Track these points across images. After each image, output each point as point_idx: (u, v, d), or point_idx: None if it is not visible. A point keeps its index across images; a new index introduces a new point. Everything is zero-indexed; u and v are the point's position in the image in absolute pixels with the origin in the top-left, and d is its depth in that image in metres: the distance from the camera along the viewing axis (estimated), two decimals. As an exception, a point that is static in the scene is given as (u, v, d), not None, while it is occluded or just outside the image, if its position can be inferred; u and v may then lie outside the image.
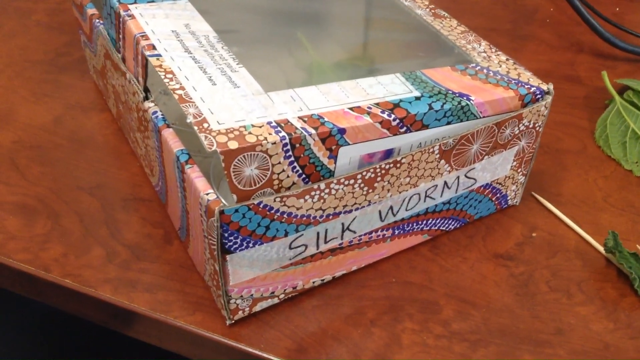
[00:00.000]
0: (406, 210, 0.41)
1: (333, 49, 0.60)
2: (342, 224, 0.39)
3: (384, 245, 0.43)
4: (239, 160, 0.33)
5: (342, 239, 0.40)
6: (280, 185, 0.35)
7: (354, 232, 0.40)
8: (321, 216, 0.37)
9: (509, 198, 0.47)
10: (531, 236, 0.47)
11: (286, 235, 0.37)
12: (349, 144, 0.36)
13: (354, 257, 0.42)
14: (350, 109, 0.36)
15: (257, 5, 0.61)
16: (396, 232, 0.42)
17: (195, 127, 0.33)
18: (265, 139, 0.33)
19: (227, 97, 0.35)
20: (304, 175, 0.36)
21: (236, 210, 0.34)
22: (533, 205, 0.49)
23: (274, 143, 0.33)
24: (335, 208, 0.37)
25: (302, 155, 0.35)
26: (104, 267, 0.43)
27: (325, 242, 0.39)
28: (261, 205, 0.34)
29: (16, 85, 0.59)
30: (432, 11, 0.49)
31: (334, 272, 0.41)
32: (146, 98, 0.41)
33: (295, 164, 0.35)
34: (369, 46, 0.55)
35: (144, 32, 0.40)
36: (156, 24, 0.41)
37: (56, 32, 0.67)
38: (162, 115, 0.39)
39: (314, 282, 0.41)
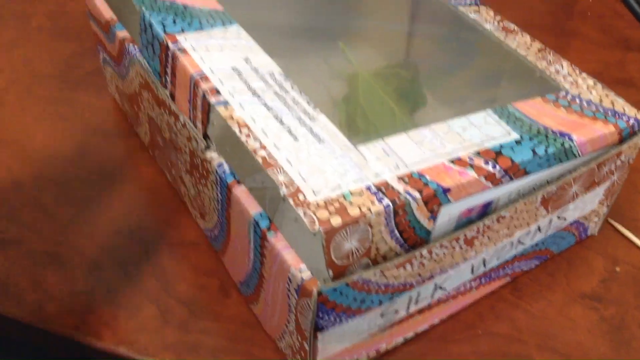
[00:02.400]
0: (497, 259, 0.37)
1: (399, 83, 0.55)
2: (435, 284, 0.35)
3: (469, 295, 0.39)
4: (339, 235, 0.29)
5: (432, 298, 0.36)
6: (377, 254, 0.31)
7: (445, 289, 0.36)
8: (417, 281, 0.33)
9: (589, 230, 0.44)
10: (615, 271, 0.43)
11: (380, 304, 0.33)
12: (450, 202, 0.32)
13: (439, 312, 0.38)
14: (451, 161, 0.32)
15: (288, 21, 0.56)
16: (482, 281, 0.39)
17: (291, 201, 0.29)
18: (369, 209, 0.29)
19: (314, 156, 0.31)
20: (402, 240, 0.32)
21: (334, 289, 0.30)
22: (611, 234, 0.46)
23: (378, 213, 0.29)
24: (432, 271, 0.33)
25: (403, 220, 0.31)
26: (161, 330, 0.39)
27: (416, 304, 0.35)
28: (360, 281, 0.30)
29: (26, 105, 0.54)
30: (501, 24, 0.44)
31: (417, 329, 0.38)
32: (207, 147, 0.36)
33: (395, 230, 0.31)
34: (439, 73, 0.50)
35: (202, 72, 0.35)
36: (213, 59, 0.36)
37: (62, 39, 0.61)
38: (230, 169, 0.35)
39: (396, 342, 0.37)
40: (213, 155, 0.36)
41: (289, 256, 0.31)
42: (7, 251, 0.42)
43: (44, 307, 0.40)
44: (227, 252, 0.40)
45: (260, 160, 0.30)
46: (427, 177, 0.31)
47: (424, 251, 0.31)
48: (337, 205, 0.29)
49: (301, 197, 0.29)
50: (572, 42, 0.64)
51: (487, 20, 0.44)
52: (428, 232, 0.32)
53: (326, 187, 0.29)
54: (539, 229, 0.38)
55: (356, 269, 0.31)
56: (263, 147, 0.31)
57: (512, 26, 0.44)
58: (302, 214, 0.28)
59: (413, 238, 0.32)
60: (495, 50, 0.42)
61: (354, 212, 0.29)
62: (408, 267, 0.32)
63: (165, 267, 0.42)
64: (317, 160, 0.31)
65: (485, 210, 0.34)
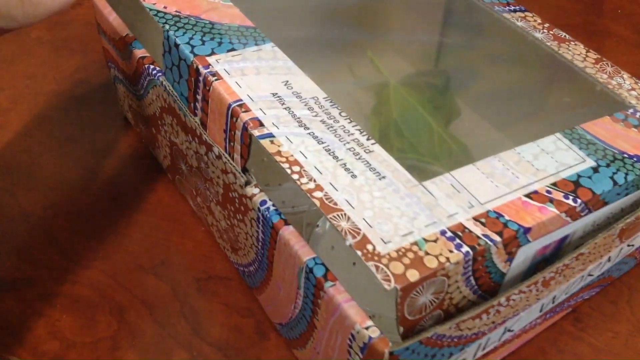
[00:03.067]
0: (565, 294, 0.34)
1: (433, 93, 0.51)
2: (505, 328, 0.32)
3: (532, 331, 0.36)
4: (415, 290, 0.25)
5: (499, 341, 0.32)
6: (449, 304, 0.28)
7: (512, 331, 0.33)
8: (489, 328, 0.30)
9: (650, 251, 0.41)
10: (680, 295, 0.40)
11: (449, 357, 0.29)
12: (529, 242, 0.28)
13: (502, 352, 0.35)
14: (528, 196, 0.29)
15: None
16: (547, 316, 0.35)
17: (359, 253, 0.25)
18: (447, 259, 0.25)
19: (377, 197, 0.27)
20: (476, 287, 0.28)
21: (407, 348, 0.26)
22: (671, 254, 0.43)
23: (457, 263, 0.26)
24: (505, 316, 0.30)
25: (480, 267, 0.27)
26: (197, 381, 0.35)
27: (483, 349, 0.32)
28: (435, 337, 0.27)
29: (31, 128, 0.50)
30: (551, 33, 0.41)
31: (479, 371, 0.34)
32: (248, 182, 0.32)
33: (472, 277, 0.27)
34: (480, 85, 0.47)
35: (240, 100, 0.31)
36: (250, 84, 0.32)
37: (64, 52, 0.57)
38: (274, 207, 0.31)
39: (458, 387, 0.34)
40: (254, 191, 0.32)
41: (352, 311, 0.27)
42: (20, 292, 0.39)
43: (64, 355, 0.36)
44: (265, 291, 0.36)
45: (317, 203, 0.27)
46: (506, 216, 0.28)
47: (502, 299, 0.28)
48: (411, 256, 0.25)
49: (370, 247, 0.25)
50: (605, 43, 0.60)
51: (536, 28, 0.41)
52: (502, 275, 0.29)
53: (396, 234, 0.26)
54: (609, 259, 0.35)
55: (427, 322, 0.27)
56: (320, 189, 0.27)
57: (563, 34, 0.41)
58: (373, 269, 0.25)
59: (487, 283, 0.29)
60: (549, 62, 0.39)
61: (431, 263, 0.25)
62: (484, 316, 0.28)
63: (196, 306, 0.39)
64: (382, 201, 0.27)
65: (560, 245, 0.31)
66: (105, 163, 0.47)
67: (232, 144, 0.32)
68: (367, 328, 0.26)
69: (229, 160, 0.33)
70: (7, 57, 0.56)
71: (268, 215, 0.31)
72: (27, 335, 0.37)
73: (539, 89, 0.44)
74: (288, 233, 0.30)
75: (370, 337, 0.26)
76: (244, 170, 0.32)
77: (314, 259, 0.29)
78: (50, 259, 0.41)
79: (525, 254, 0.29)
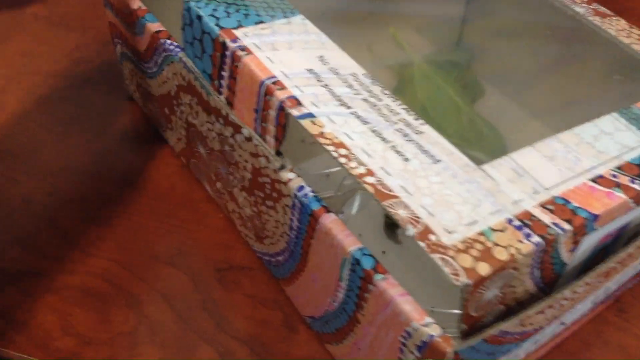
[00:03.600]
0: (616, 284, 0.32)
1: (458, 72, 0.49)
2: (561, 322, 0.30)
3: (578, 323, 0.34)
4: (484, 286, 0.23)
5: (551, 334, 0.30)
6: (512, 297, 0.26)
7: (565, 324, 0.31)
8: (548, 323, 0.28)
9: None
10: None
11: (507, 353, 0.27)
12: (595, 230, 0.26)
13: (550, 345, 0.33)
14: (593, 180, 0.27)
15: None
16: (594, 306, 0.33)
17: (422, 244, 0.23)
18: (518, 250, 0.23)
19: (434, 182, 0.25)
20: (539, 279, 0.26)
21: (471, 347, 0.24)
22: None
23: (527, 254, 0.23)
24: (565, 309, 0.28)
25: (547, 258, 0.25)
26: (224, 379, 0.33)
27: (535, 343, 0.30)
28: (498, 334, 0.25)
29: (30, 110, 0.47)
30: (592, 7, 0.38)
31: (525, 366, 0.32)
32: (283, 166, 0.30)
33: (536, 269, 0.25)
34: (511, 61, 0.44)
35: (274, 77, 0.29)
36: (283, 59, 0.30)
37: (62, 29, 0.54)
38: (313, 193, 0.29)
39: (504, 383, 0.32)
40: (290, 176, 0.29)
41: (408, 306, 0.25)
42: (26, 285, 0.36)
43: (79, 353, 0.33)
44: (295, 282, 0.34)
45: (371, 190, 0.24)
46: (573, 202, 0.25)
47: (567, 292, 0.26)
48: (479, 247, 0.23)
49: (433, 238, 0.23)
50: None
51: (576, 2, 0.38)
52: (564, 266, 0.27)
53: (460, 223, 0.24)
54: (661, 244, 0.33)
55: (488, 318, 0.25)
56: (371, 174, 0.25)
57: (604, 9, 0.38)
58: (440, 262, 0.22)
59: (549, 275, 0.26)
60: (593, 38, 0.36)
61: (501, 255, 0.23)
62: (548, 311, 0.26)
63: (218, 299, 0.36)
64: (440, 187, 0.25)
65: (620, 233, 0.29)
66: (111, 146, 0.44)
67: (264, 124, 0.29)
68: (426, 325, 0.24)
69: (260, 143, 0.30)
70: (1, 34, 0.53)
71: (306, 202, 0.29)
72: (37, 331, 0.34)
73: (579, 66, 0.42)
74: (330, 221, 0.28)
75: (431, 335, 0.24)
76: (278, 153, 0.30)
77: (360, 249, 0.27)
78: (57, 249, 0.38)
79: (588, 243, 0.27)
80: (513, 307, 0.27)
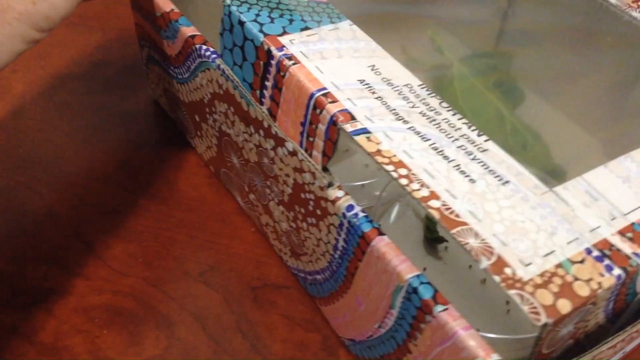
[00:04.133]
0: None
1: (498, 76, 0.47)
2: (623, 352, 0.28)
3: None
4: (562, 324, 0.21)
5: (615, 365, 0.29)
6: (583, 331, 0.24)
7: (625, 352, 0.29)
8: (614, 355, 0.26)
9: None
10: None
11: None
12: (673, 259, 0.24)
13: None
14: (671, 205, 0.24)
15: None
16: None
17: (497, 278, 0.21)
18: (599, 285, 0.21)
19: (504, 206, 0.23)
20: (610, 311, 0.24)
21: (544, 387, 0.22)
22: None
23: (608, 288, 0.21)
24: (633, 340, 0.26)
25: (625, 290, 0.23)
26: (262, 407, 0.31)
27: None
28: (572, 372, 0.23)
29: (51, 115, 0.45)
30: (641, 7, 0.36)
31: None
32: (331, 184, 0.28)
33: (611, 302, 0.23)
34: (545, 62, 0.42)
35: (324, 88, 0.27)
36: (333, 69, 0.28)
37: (82, 29, 0.52)
38: (364, 214, 0.27)
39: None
40: (338, 194, 0.27)
41: (473, 342, 0.23)
42: (52, 305, 0.34)
43: (110, 382, 0.32)
44: (335, 304, 0.32)
45: (436, 215, 0.22)
46: (654, 229, 0.23)
47: (643, 325, 0.24)
48: (558, 281, 0.21)
49: (509, 271, 0.21)
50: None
51: (631, 5, 0.36)
52: (635, 295, 0.25)
53: (537, 254, 0.22)
54: None
55: (556, 353, 0.23)
56: (435, 196, 0.23)
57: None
58: (518, 300, 0.20)
59: (620, 306, 0.24)
60: (631, 33, 0.34)
61: (583, 291, 0.21)
62: (619, 344, 0.24)
63: (253, 319, 0.34)
64: (512, 212, 0.23)
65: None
66: (137, 154, 0.42)
67: (311, 139, 0.27)
68: (497, 363, 0.22)
69: (306, 158, 0.28)
70: (20, 35, 0.51)
71: (357, 223, 0.27)
72: (65, 354, 0.32)
73: (617, 67, 0.40)
74: (384, 245, 0.26)
75: (503, 377, 0.22)
76: (324, 169, 0.28)
77: (418, 276, 0.25)
78: (84, 266, 0.36)
79: (664, 271, 0.25)
80: (581, 340, 0.25)
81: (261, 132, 0.31)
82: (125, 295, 0.35)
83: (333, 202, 0.28)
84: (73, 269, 0.36)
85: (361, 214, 0.27)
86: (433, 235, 0.37)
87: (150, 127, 0.44)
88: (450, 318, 0.24)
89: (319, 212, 0.29)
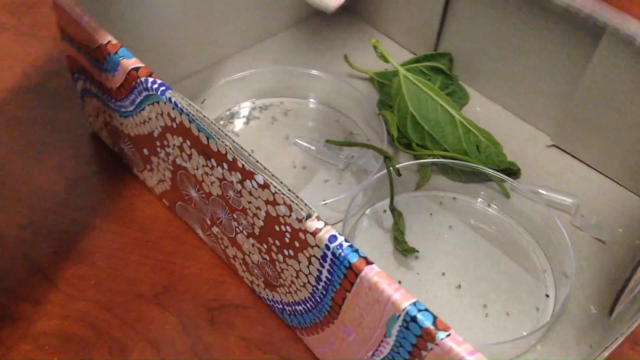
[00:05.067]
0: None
1: (443, 79, 0.46)
2: None
3: None
4: None
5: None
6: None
7: None
8: None
9: None
10: None
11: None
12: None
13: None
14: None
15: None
16: None
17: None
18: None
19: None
20: None
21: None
22: None
23: None
24: None
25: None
26: None
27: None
28: None
29: (-1, 132, 0.41)
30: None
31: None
32: (309, 216, 0.27)
33: None
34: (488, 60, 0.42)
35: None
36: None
37: (32, 40, 0.48)
38: (349, 244, 0.26)
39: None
40: (318, 226, 0.26)
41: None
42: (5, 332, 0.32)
43: None
44: (320, 334, 0.31)
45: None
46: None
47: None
48: None
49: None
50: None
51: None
52: None
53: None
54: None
55: None
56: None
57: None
58: None
59: None
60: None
61: None
62: None
63: (208, 341, 0.33)
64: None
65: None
66: (87, 171, 0.40)
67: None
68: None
69: (280, 190, 0.27)
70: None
71: (342, 254, 0.26)
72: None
73: (559, 63, 0.41)
74: (374, 274, 0.25)
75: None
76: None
77: (414, 304, 0.24)
78: (32, 290, 0.34)
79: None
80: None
81: (225, 165, 0.29)
82: (76, 320, 0.33)
83: (313, 234, 0.26)
84: (20, 292, 0.33)
85: (345, 244, 0.26)
86: (403, 247, 0.37)
87: (104, 143, 0.41)
88: (455, 344, 0.23)
89: (297, 243, 0.28)
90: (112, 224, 0.37)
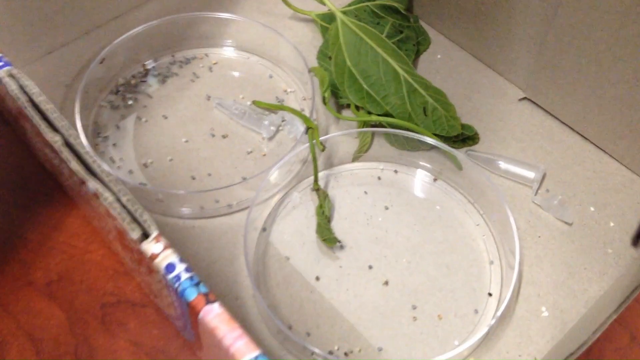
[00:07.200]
0: None
1: (393, 23, 0.39)
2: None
3: None
4: None
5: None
6: None
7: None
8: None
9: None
10: None
11: None
12: None
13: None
14: None
15: None
16: None
17: None
18: None
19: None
20: None
21: None
22: None
23: None
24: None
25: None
26: None
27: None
28: None
29: None
30: None
31: None
32: (146, 235, 0.21)
33: None
34: None
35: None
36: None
37: None
38: (189, 276, 0.20)
39: None
40: (155, 250, 0.21)
41: None
42: None
43: None
44: (204, 351, 0.26)
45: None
46: None
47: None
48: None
49: None
50: None
51: None
52: None
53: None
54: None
55: None
56: None
57: None
58: None
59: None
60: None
61: None
62: None
63: (94, 343, 0.29)
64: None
65: None
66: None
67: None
68: None
69: (111, 204, 0.21)
70: None
71: (180, 289, 0.20)
72: None
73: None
74: (212, 318, 0.20)
75: None
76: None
77: (257, 358, 0.19)
78: None
79: None
80: None
81: (64, 166, 0.24)
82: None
83: (151, 259, 0.21)
84: None
85: (185, 275, 0.21)
86: (324, 235, 0.31)
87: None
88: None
89: (146, 263, 0.23)
90: (7, 196, 0.33)
